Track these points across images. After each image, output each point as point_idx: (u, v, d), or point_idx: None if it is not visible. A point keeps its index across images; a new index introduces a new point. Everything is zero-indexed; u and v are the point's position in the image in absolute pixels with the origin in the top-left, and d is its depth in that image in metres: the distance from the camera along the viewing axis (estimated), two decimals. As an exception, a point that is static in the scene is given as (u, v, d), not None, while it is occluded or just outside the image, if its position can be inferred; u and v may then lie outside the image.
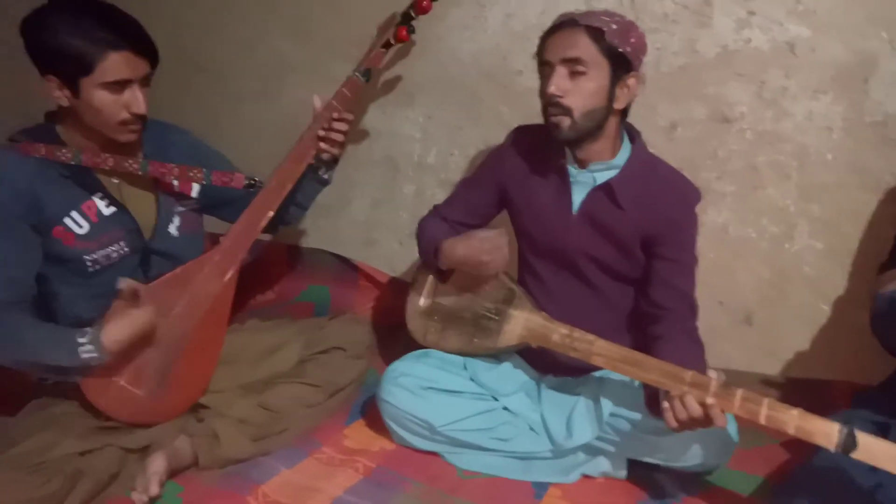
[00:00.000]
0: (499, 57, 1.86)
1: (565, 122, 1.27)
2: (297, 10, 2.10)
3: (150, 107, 1.32)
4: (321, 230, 2.25)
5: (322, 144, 1.47)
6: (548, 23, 1.75)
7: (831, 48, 1.52)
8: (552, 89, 1.26)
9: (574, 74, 1.25)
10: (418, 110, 2.01)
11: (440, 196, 1.70)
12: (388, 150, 2.09)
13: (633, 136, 1.39)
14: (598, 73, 1.26)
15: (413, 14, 1.60)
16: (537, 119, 1.51)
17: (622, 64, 1.27)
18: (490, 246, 1.38)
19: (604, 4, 1.68)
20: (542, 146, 1.42)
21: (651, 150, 1.42)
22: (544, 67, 1.30)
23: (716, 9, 1.59)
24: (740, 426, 1.33)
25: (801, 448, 1.14)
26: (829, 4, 1.50)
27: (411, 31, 1.61)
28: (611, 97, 1.29)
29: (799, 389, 1.66)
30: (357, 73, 1.56)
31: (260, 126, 2.24)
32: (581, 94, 1.26)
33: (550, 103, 1.28)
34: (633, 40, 1.27)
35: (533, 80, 1.81)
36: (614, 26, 1.24)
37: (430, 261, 1.50)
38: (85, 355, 1.19)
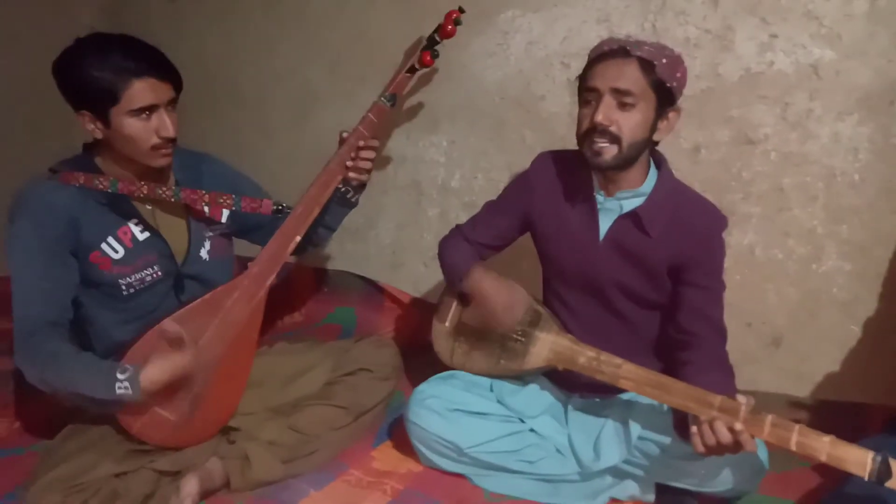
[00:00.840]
0: (522, 83, 1.89)
1: (612, 150, 1.26)
2: (328, 41, 2.16)
3: (189, 137, 1.36)
4: (348, 253, 2.29)
5: (351, 173, 1.51)
6: (571, 49, 1.80)
7: (856, 71, 1.52)
8: (600, 118, 1.24)
9: (622, 105, 1.24)
10: (442, 135, 2.04)
11: (463, 218, 1.72)
12: (413, 175, 2.12)
13: (660, 162, 1.39)
14: (645, 106, 1.25)
15: (438, 39, 1.62)
16: (560, 143, 1.54)
17: (667, 98, 1.27)
18: (510, 302, 1.42)
19: (625, 29, 1.71)
20: (568, 173, 1.43)
21: (675, 172, 1.42)
22: (589, 93, 1.28)
23: (738, 33, 1.61)
24: (771, 449, 1.32)
25: (833, 472, 1.12)
26: (853, 28, 1.51)
27: (435, 55, 1.62)
28: (653, 129, 1.29)
29: (830, 412, 1.64)
30: (383, 99, 1.59)
31: (292, 153, 2.30)
32: (628, 124, 1.25)
33: (596, 131, 1.25)
34: (678, 75, 1.27)
35: (556, 105, 1.85)
36: (664, 60, 1.23)
37: (454, 283, 1.51)
38: (120, 391, 1.21)
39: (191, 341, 1.29)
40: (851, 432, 1.14)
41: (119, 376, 1.22)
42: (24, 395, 1.67)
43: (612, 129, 1.24)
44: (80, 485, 1.22)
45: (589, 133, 1.27)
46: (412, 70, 1.64)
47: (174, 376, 1.26)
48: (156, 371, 1.24)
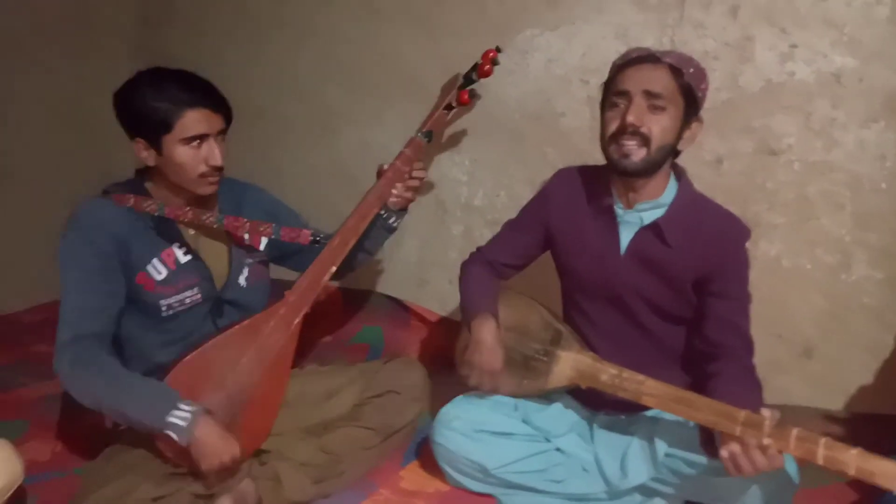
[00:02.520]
0: (542, 100, 1.90)
1: (640, 153, 1.26)
2: (351, 63, 2.20)
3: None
4: (373, 272, 2.32)
5: (394, 198, 1.57)
6: (590, 66, 1.81)
7: (879, 76, 1.50)
8: (632, 118, 1.24)
9: (652, 108, 1.25)
10: (465, 154, 2.06)
11: (487, 236, 1.73)
12: (437, 193, 2.14)
13: (679, 173, 1.39)
14: (674, 111, 1.26)
15: (475, 78, 1.64)
16: (581, 158, 1.54)
17: (693, 106, 1.29)
18: (483, 365, 1.44)
19: (644, 44, 1.70)
20: (588, 187, 1.44)
21: (698, 185, 1.42)
22: (618, 97, 1.29)
23: (757, 44, 1.60)
24: (803, 465, 1.30)
25: (870, 487, 1.10)
26: (875, 34, 1.49)
27: (473, 95, 1.65)
28: (678, 137, 1.30)
29: (865, 425, 1.60)
30: (420, 134, 1.61)
31: (317, 171, 2.34)
32: (658, 126, 1.26)
33: (627, 132, 1.26)
34: (703, 86, 1.29)
35: (576, 121, 1.86)
36: (692, 69, 1.26)
37: (463, 321, 1.53)
38: (172, 419, 1.25)
39: (240, 461, 1.33)
40: (889, 445, 1.11)
41: (181, 405, 1.26)
42: (66, 417, 1.73)
43: (643, 129, 1.25)
44: (121, 507, 1.26)
45: (617, 135, 1.28)
46: (449, 107, 1.66)
47: (217, 443, 1.29)
48: (214, 429, 1.28)
